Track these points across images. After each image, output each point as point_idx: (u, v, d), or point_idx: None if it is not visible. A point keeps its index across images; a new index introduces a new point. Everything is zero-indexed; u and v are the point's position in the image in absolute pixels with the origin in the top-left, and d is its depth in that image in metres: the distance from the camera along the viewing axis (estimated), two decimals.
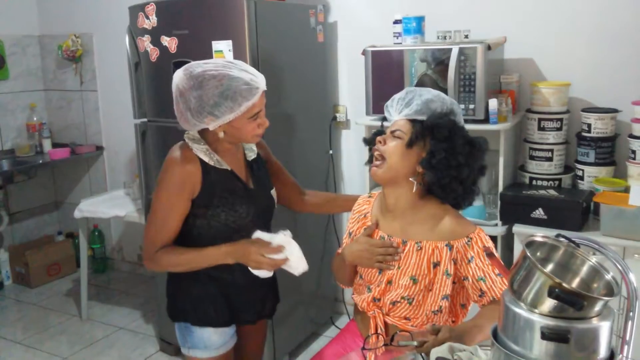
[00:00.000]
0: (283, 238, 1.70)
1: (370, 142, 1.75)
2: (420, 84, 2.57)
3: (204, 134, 1.74)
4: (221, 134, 1.69)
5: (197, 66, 1.65)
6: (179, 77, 1.66)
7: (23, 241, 4.32)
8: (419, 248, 1.62)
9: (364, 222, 1.78)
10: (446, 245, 1.60)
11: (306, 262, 1.72)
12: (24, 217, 4.38)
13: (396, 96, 1.70)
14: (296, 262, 1.71)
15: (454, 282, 1.63)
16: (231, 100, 1.61)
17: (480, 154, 1.62)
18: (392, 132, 1.64)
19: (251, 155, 1.87)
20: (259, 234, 1.71)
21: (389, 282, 1.66)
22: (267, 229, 1.84)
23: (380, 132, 1.72)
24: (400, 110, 1.66)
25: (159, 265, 1.74)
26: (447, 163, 1.56)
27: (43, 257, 4.17)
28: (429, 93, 1.66)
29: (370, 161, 1.71)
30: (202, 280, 1.79)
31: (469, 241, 1.60)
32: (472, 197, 1.68)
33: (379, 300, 1.68)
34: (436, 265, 1.60)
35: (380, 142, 1.65)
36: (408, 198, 1.65)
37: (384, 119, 1.74)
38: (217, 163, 1.72)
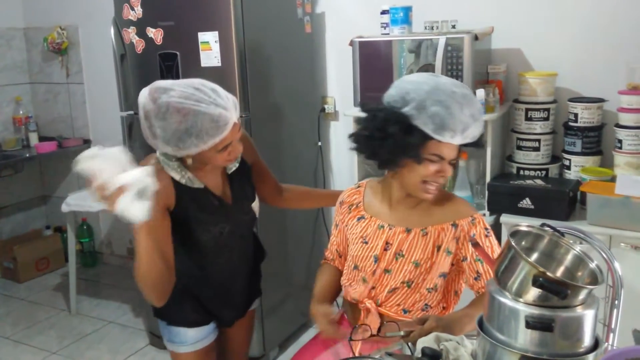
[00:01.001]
0: (135, 174, 1.39)
1: (384, 135, 1.54)
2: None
3: None
4: (189, 161, 1.60)
5: (164, 92, 1.51)
6: (144, 97, 1.54)
7: (11, 236, 4.29)
8: (424, 234, 1.61)
9: (357, 212, 1.74)
10: (452, 225, 1.60)
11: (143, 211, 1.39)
12: (11, 212, 4.35)
13: (462, 101, 1.49)
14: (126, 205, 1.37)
15: (452, 265, 1.63)
16: (196, 137, 1.50)
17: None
18: (451, 161, 1.56)
19: (231, 168, 1.76)
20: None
21: (387, 271, 1.64)
22: (247, 242, 1.86)
23: (404, 130, 1.49)
24: (466, 135, 1.52)
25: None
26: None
27: (31, 251, 4.14)
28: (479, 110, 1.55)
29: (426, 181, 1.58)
30: (177, 279, 1.68)
31: (472, 220, 1.61)
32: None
33: (375, 288, 1.66)
34: (439, 247, 1.60)
35: (443, 174, 1.56)
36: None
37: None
38: (189, 181, 1.63)
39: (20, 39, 4.26)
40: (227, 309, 1.86)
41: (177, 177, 1.61)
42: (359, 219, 1.72)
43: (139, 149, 2.93)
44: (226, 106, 1.54)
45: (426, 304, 1.65)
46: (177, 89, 1.52)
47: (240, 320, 1.94)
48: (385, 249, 1.64)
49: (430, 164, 1.52)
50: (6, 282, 4.13)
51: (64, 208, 3.38)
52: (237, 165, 1.78)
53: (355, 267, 1.71)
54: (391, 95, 1.55)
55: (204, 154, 1.57)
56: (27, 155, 3.96)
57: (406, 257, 1.62)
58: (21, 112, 4.16)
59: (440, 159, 1.52)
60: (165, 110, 1.49)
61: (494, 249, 1.59)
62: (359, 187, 1.81)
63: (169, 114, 1.49)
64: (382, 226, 1.66)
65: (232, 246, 1.79)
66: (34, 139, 4.08)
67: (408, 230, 1.63)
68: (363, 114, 1.62)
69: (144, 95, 1.54)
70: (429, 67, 2.53)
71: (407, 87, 1.53)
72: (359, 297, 1.69)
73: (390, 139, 1.50)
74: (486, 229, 1.62)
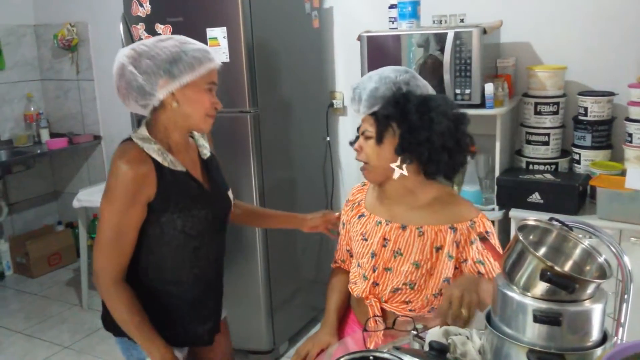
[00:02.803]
0: None
1: (356, 149, 1.69)
2: (424, 69, 2.57)
3: (153, 131, 1.57)
4: (174, 104, 1.51)
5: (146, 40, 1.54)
6: (123, 53, 1.51)
7: (23, 231, 4.33)
8: (420, 233, 1.60)
9: (358, 210, 1.76)
10: (450, 228, 1.59)
11: None
12: (23, 208, 4.39)
13: (350, 97, 1.68)
14: None
15: (455, 268, 1.63)
16: (192, 57, 1.49)
17: (440, 115, 1.53)
18: (362, 133, 1.63)
19: (206, 154, 1.72)
20: None
21: (388, 269, 1.65)
22: (224, 231, 1.75)
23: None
24: (357, 110, 1.65)
25: (113, 300, 1.53)
26: (415, 141, 1.54)
27: (43, 247, 4.19)
28: (371, 81, 1.61)
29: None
30: (151, 293, 1.61)
31: (472, 224, 1.59)
32: (462, 160, 1.62)
33: (378, 285, 1.67)
34: (439, 249, 1.59)
35: (358, 150, 1.64)
36: (406, 184, 1.63)
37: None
38: (171, 164, 1.55)
39: (30, 35, 4.30)
40: (202, 324, 1.71)
41: (159, 159, 1.53)
42: (359, 216, 1.74)
43: None
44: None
45: (433, 307, 1.65)
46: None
47: (217, 336, 1.78)
48: (383, 245, 1.65)
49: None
50: (19, 277, 4.18)
51: (75, 204, 3.41)
52: (209, 154, 1.73)
53: (358, 265, 1.72)
54: None
55: (191, 92, 1.51)
56: (39, 151, 4.00)
57: (404, 256, 1.62)
58: (32, 108, 4.20)
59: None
60: (157, 41, 1.51)
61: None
62: (364, 185, 1.82)
63: (162, 42, 1.50)
64: (380, 222, 1.67)
65: (210, 243, 1.68)
66: (45, 135, 4.11)
67: (403, 227, 1.62)
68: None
69: (122, 52, 1.52)
70: (435, 60, 2.53)
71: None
72: (361, 294, 1.70)
73: None
74: (487, 231, 1.59)
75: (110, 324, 1.62)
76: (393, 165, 1.59)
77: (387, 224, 1.65)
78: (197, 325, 1.70)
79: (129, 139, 1.55)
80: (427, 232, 1.60)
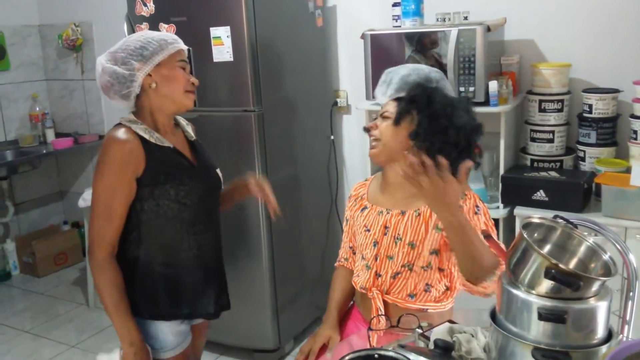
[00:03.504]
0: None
1: (368, 129, 1.76)
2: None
3: (139, 114, 1.69)
4: (153, 85, 1.64)
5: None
6: (100, 58, 1.68)
7: (29, 231, 4.35)
8: (417, 215, 1.64)
9: (361, 204, 1.79)
10: None
11: None
12: (29, 207, 4.41)
13: (380, 80, 1.75)
14: None
15: (446, 243, 1.62)
16: (157, 42, 1.64)
17: (462, 113, 1.58)
18: (382, 114, 1.69)
19: (192, 136, 1.83)
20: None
21: (390, 257, 1.67)
22: (217, 208, 1.81)
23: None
24: (384, 93, 1.72)
25: (99, 273, 1.60)
26: (431, 130, 1.56)
27: (49, 246, 4.20)
28: (406, 68, 1.72)
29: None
30: (156, 273, 1.69)
31: (462, 195, 1.60)
32: (472, 159, 1.62)
33: (381, 276, 1.69)
34: (430, 224, 1.63)
35: (372, 127, 1.69)
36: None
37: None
38: (158, 140, 1.65)
39: (35, 36, 4.31)
40: (205, 298, 1.78)
41: (146, 136, 1.63)
42: (362, 209, 1.77)
43: None
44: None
45: (427, 284, 1.66)
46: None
47: (197, 327, 1.87)
48: (384, 234, 1.68)
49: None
50: (25, 276, 4.20)
51: (81, 203, 3.42)
52: (195, 138, 1.83)
53: (362, 257, 1.75)
54: None
55: (166, 70, 1.65)
56: (44, 151, 4.01)
57: (403, 239, 1.65)
58: (37, 108, 4.21)
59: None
60: (125, 40, 1.66)
61: (480, 227, 1.58)
62: (366, 180, 1.87)
63: (130, 38, 1.66)
64: (381, 212, 1.71)
65: (206, 219, 1.75)
66: (50, 135, 4.13)
67: (403, 213, 1.66)
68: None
69: (100, 58, 1.68)
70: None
71: None
72: (365, 284, 1.72)
73: None
74: (477, 206, 1.62)
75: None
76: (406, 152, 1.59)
77: (387, 212, 1.69)
78: (202, 301, 1.78)
79: (118, 124, 1.68)
80: (423, 212, 1.64)
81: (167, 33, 1.73)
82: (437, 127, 1.56)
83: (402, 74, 1.69)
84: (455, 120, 1.56)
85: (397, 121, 1.63)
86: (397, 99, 1.66)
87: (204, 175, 1.76)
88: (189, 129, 1.84)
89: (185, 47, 1.71)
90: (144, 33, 1.69)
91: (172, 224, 1.67)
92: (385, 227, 1.68)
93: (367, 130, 1.76)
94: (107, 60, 1.65)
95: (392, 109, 1.66)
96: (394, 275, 1.67)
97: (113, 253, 1.63)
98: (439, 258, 1.65)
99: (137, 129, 1.64)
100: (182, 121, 1.85)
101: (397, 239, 1.66)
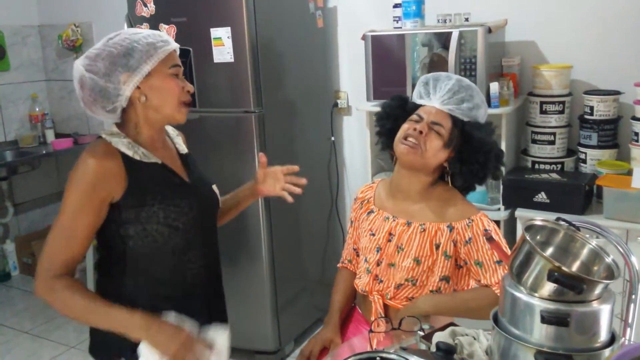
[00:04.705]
0: (213, 333, 1.43)
1: (388, 115, 1.74)
2: (432, 66, 2.56)
3: (124, 126, 1.49)
4: (142, 98, 1.43)
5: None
6: (77, 63, 1.46)
7: (29, 231, 4.34)
8: (422, 230, 1.63)
9: (367, 207, 1.79)
10: (447, 227, 1.62)
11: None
12: (29, 208, 4.40)
13: (442, 76, 1.69)
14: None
15: (460, 267, 1.64)
16: (145, 45, 1.41)
17: (494, 144, 1.68)
18: (433, 124, 1.63)
19: (184, 149, 1.63)
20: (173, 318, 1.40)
21: (392, 264, 1.67)
22: (214, 231, 1.63)
23: (402, 105, 1.73)
24: (443, 100, 1.65)
25: (53, 297, 1.42)
26: (469, 160, 1.64)
27: None
28: (479, 96, 1.68)
29: (397, 138, 1.68)
30: (143, 308, 1.43)
31: (469, 223, 1.61)
32: (495, 178, 1.74)
33: (382, 282, 1.68)
34: (438, 247, 1.62)
35: (420, 131, 1.62)
36: (423, 184, 1.68)
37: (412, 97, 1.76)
38: (143, 156, 1.45)
39: (35, 36, 4.30)
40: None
41: (129, 152, 1.44)
42: (368, 213, 1.77)
43: None
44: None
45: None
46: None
47: None
48: (388, 240, 1.68)
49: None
50: (25, 277, 4.19)
51: None
52: (187, 151, 1.65)
53: (365, 259, 1.75)
54: None
55: (156, 80, 1.43)
56: (44, 152, 4.00)
57: (405, 251, 1.64)
58: (37, 109, 4.21)
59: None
60: (104, 45, 1.43)
61: (489, 251, 1.60)
62: (373, 183, 1.87)
63: (111, 43, 1.42)
64: (388, 218, 1.71)
65: (202, 244, 1.56)
66: (50, 135, 4.12)
67: (409, 224, 1.66)
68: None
69: (76, 63, 1.46)
70: (439, 57, 2.53)
71: None
72: (365, 287, 1.72)
73: None
74: (485, 229, 1.60)
75: (99, 346, 1.60)
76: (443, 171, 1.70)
77: (394, 220, 1.69)
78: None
79: (99, 137, 1.49)
80: (428, 229, 1.63)
81: (153, 32, 1.47)
82: (475, 159, 1.64)
83: (476, 102, 1.66)
84: (490, 155, 1.65)
85: (448, 145, 1.64)
86: (453, 118, 1.64)
87: (197, 193, 1.55)
88: (180, 141, 1.65)
89: (176, 47, 1.48)
90: (128, 34, 1.44)
91: (162, 252, 1.48)
92: (390, 234, 1.68)
93: (386, 116, 1.75)
94: (87, 69, 1.43)
95: (446, 125, 1.63)
96: (398, 286, 1.67)
97: (62, 276, 1.43)
98: (449, 285, 1.66)
99: (118, 144, 1.44)
100: (172, 132, 1.66)
101: (400, 248, 1.66)
